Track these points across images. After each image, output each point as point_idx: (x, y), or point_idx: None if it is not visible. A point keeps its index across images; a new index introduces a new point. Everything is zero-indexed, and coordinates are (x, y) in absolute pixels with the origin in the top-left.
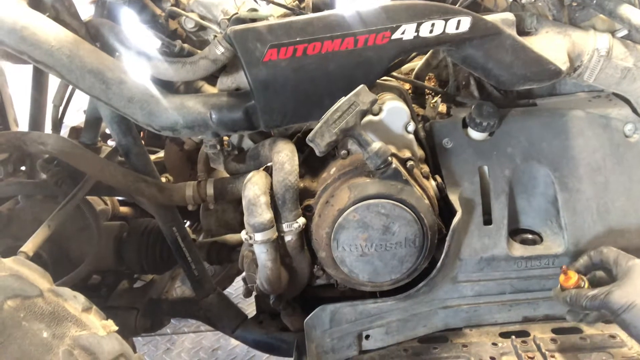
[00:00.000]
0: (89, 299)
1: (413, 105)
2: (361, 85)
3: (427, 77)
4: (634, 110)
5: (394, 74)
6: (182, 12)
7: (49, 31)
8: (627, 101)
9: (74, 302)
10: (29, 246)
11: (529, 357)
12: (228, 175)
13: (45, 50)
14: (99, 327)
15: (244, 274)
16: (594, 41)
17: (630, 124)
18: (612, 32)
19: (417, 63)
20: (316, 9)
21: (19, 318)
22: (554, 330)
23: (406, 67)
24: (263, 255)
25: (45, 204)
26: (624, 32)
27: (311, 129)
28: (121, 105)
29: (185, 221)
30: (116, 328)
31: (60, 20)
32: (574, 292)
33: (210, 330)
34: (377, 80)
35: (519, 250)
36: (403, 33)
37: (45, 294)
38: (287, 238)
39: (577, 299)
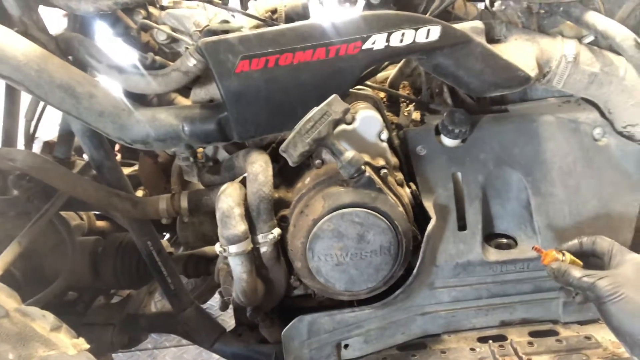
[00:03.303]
0: (62, 316)
1: (387, 113)
2: (333, 95)
3: (401, 85)
4: (602, 114)
5: (368, 82)
6: (154, 24)
7: (16, 46)
8: (595, 105)
9: (42, 321)
10: None
11: None
12: (203, 188)
13: (13, 65)
14: (69, 346)
15: None
16: (561, 47)
17: (599, 128)
18: (579, 39)
19: (392, 71)
20: (289, 20)
21: None
22: (531, 334)
23: (380, 75)
24: (238, 267)
25: (17, 221)
26: (591, 38)
27: (286, 139)
28: (92, 119)
29: (164, 234)
30: (87, 346)
31: (28, 35)
32: (563, 268)
33: (192, 344)
34: (351, 90)
35: (494, 255)
36: (374, 43)
37: (12, 314)
38: (263, 249)
39: (566, 276)
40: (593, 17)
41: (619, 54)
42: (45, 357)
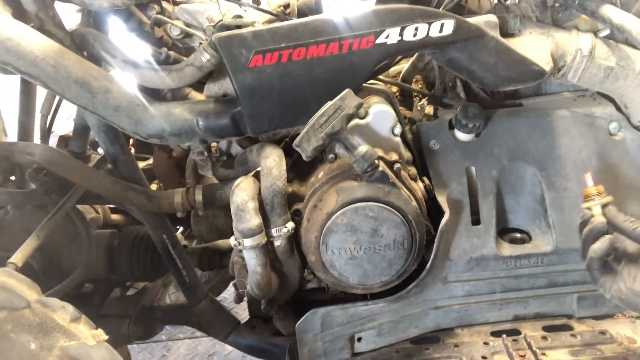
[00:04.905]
0: (79, 309)
1: (400, 107)
2: (347, 90)
3: (414, 80)
4: (618, 108)
5: (381, 77)
6: (168, 19)
7: (33, 42)
8: (611, 100)
9: (63, 312)
10: (18, 257)
11: (520, 356)
12: (217, 182)
13: (29, 61)
14: (89, 337)
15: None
16: (576, 41)
17: (615, 122)
18: (595, 32)
19: (404, 65)
20: (301, 14)
21: (7, 330)
22: (545, 328)
23: (393, 69)
24: (253, 260)
25: (35, 214)
26: (606, 32)
27: (299, 134)
28: (108, 114)
29: (177, 227)
30: (106, 337)
31: (44, 31)
32: (623, 215)
33: (205, 336)
34: (364, 84)
35: (507, 249)
36: (387, 37)
37: (33, 305)
38: (277, 243)
39: (628, 223)
40: (609, 11)
41: (635, 47)
42: (66, 347)
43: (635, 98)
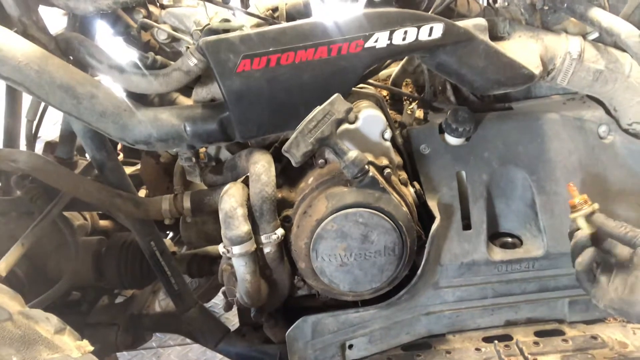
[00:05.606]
0: (66, 317)
1: (390, 111)
2: (336, 94)
3: (404, 83)
4: (607, 111)
5: (371, 80)
6: (154, 23)
7: (16, 47)
8: (600, 103)
9: (46, 324)
10: (2, 265)
11: None
12: (205, 188)
13: (12, 66)
14: (73, 349)
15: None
16: (565, 44)
17: (604, 125)
18: (584, 35)
19: (394, 69)
20: (290, 18)
21: None
22: (537, 333)
23: (383, 73)
24: (242, 268)
25: (20, 221)
26: (595, 35)
27: (288, 139)
28: (93, 120)
29: (167, 232)
30: (91, 348)
31: (28, 35)
32: (611, 221)
33: (196, 343)
34: (353, 88)
35: (499, 254)
36: (376, 41)
37: (15, 317)
38: (266, 250)
39: (616, 228)
40: (597, 14)
41: (624, 50)
42: None
43: (624, 101)
